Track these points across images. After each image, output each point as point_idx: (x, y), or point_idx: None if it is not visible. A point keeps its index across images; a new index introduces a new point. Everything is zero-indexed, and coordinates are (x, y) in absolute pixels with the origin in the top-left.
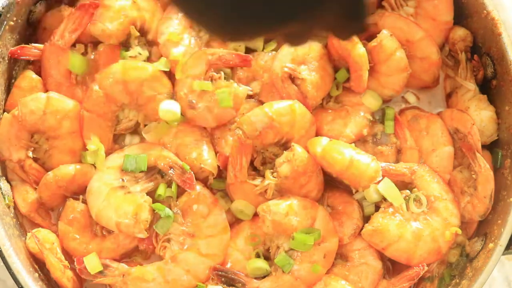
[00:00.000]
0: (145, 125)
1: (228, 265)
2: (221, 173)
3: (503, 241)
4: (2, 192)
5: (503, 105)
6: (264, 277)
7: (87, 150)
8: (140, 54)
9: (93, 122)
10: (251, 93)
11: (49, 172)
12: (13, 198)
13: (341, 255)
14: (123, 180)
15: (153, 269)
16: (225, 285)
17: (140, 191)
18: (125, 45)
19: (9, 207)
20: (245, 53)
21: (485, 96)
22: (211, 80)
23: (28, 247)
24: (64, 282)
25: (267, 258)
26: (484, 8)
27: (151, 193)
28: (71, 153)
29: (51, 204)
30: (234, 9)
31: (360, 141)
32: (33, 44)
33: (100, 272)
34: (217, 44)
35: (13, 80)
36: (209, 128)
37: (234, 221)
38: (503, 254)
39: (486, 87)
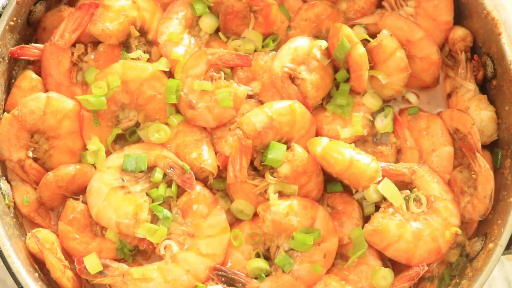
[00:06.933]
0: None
1: (228, 265)
2: (221, 173)
3: (503, 241)
4: (2, 192)
5: (503, 105)
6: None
7: (87, 150)
8: (141, 56)
9: (93, 122)
10: (251, 93)
11: (49, 172)
12: (13, 198)
13: (341, 255)
14: (123, 180)
15: (153, 269)
16: (225, 285)
17: (140, 191)
18: (125, 45)
19: (9, 207)
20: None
21: (485, 96)
22: (211, 80)
23: (28, 247)
24: (64, 282)
25: (267, 258)
26: (484, 8)
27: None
28: (71, 153)
29: (51, 204)
30: None
31: (360, 141)
32: (33, 44)
33: (100, 272)
34: (217, 44)
35: (13, 80)
36: (209, 128)
37: (234, 221)
38: (503, 254)
39: (486, 87)
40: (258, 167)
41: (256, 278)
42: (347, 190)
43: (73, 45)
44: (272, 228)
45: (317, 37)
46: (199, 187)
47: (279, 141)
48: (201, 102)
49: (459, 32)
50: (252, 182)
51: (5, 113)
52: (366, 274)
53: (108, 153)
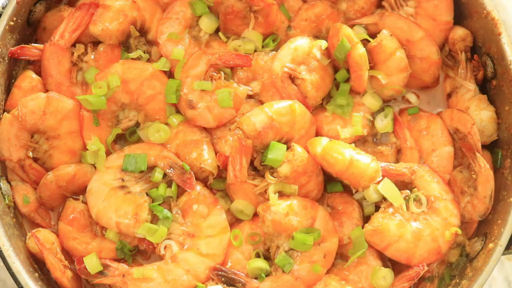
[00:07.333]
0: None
1: (228, 265)
2: (221, 173)
3: (503, 241)
4: (2, 192)
5: (503, 105)
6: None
7: (87, 150)
8: (141, 56)
9: (93, 122)
10: (251, 93)
11: (49, 172)
12: (13, 198)
13: (341, 255)
14: (123, 180)
15: (153, 269)
16: (225, 285)
17: (140, 191)
18: (125, 45)
19: (9, 207)
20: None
21: (485, 96)
22: (211, 80)
23: (28, 247)
24: (64, 282)
25: (267, 258)
26: (484, 8)
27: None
28: (71, 153)
29: (51, 204)
30: None
31: (360, 141)
32: (33, 44)
33: (100, 272)
34: (217, 44)
35: (13, 80)
36: (209, 128)
37: (234, 221)
38: (503, 254)
39: (486, 87)
40: (258, 167)
41: (256, 278)
42: (347, 190)
43: (73, 45)
44: (272, 228)
45: (317, 37)
46: (199, 187)
47: (279, 141)
48: (201, 102)
49: (459, 32)
50: (252, 182)
51: (5, 113)
52: (366, 274)
53: (108, 153)
